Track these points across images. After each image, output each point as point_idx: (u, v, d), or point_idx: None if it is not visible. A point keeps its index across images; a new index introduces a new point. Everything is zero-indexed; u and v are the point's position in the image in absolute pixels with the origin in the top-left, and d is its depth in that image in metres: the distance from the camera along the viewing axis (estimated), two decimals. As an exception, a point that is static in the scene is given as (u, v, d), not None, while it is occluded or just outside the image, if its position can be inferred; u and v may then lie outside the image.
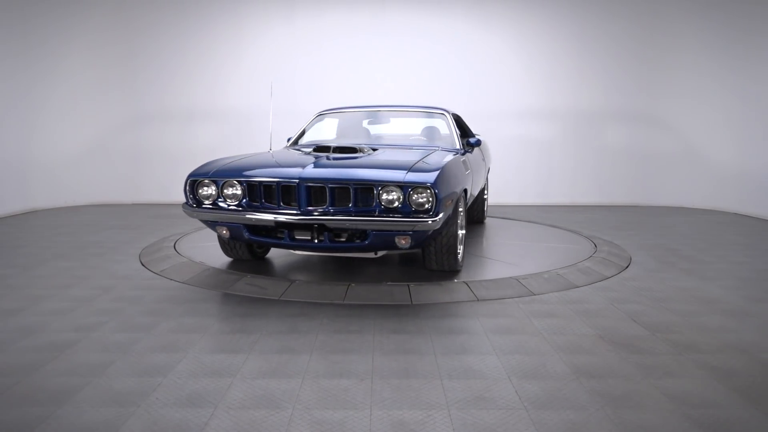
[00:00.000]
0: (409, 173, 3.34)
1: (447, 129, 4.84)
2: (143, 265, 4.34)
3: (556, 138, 8.28)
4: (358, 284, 3.65)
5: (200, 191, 3.68)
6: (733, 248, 5.16)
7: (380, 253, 3.61)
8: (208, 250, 4.70)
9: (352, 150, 3.99)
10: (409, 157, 3.83)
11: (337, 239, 3.48)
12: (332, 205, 3.38)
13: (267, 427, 1.95)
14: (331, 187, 3.36)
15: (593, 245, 5.01)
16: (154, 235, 5.51)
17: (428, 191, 3.25)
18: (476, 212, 6.11)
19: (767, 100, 7.13)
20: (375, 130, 5.22)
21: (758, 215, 7.14)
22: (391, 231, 3.32)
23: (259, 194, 3.52)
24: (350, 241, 3.46)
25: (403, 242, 3.37)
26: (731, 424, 1.99)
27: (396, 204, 3.29)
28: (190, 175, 3.71)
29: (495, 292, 3.58)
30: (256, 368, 2.44)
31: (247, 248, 4.25)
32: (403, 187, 3.27)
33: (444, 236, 3.67)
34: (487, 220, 6.56)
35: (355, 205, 3.37)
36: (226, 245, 4.29)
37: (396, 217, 3.28)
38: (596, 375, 2.39)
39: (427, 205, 3.27)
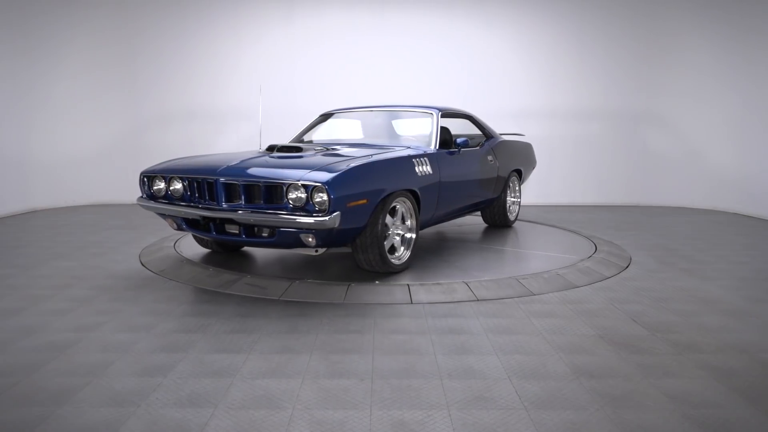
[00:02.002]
0: (311, 172, 3.40)
1: (429, 129, 4.76)
2: (143, 265, 4.34)
3: (555, 138, 8.28)
4: (358, 284, 3.66)
5: (153, 186, 4.03)
6: (733, 248, 5.16)
7: (320, 251, 3.71)
8: (207, 250, 4.71)
9: (297, 149, 4.15)
10: (343, 157, 3.84)
11: (259, 235, 3.64)
12: (248, 201, 3.56)
13: (267, 427, 1.95)
14: (243, 185, 3.54)
15: (593, 245, 5.01)
16: (154, 235, 5.51)
17: (323, 190, 3.32)
18: (497, 216, 5.82)
19: (767, 100, 7.13)
20: (375, 130, 5.22)
21: (758, 215, 7.14)
22: (293, 228, 3.42)
23: (193, 189, 3.79)
24: (264, 237, 3.61)
25: (310, 240, 3.46)
26: (731, 424, 1.99)
27: (302, 202, 3.39)
28: (142, 172, 4.09)
29: (495, 292, 3.58)
30: (256, 368, 2.44)
31: (215, 241, 4.41)
32: (307, 186, 3.36)
33: (367, 236, 3.70)
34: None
35: (267, 202, 3.49)
36: (197, 236, 4.54)
37: (294, 215, 3.37)
38: (596, 375, 2.39)
39: (324, 204, 3.33)
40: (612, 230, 6.00)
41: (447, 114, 5.08)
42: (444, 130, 4.74)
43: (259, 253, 4.62)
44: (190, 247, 4.82)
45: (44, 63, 7.46)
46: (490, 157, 5.36)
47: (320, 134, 5.35)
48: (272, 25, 8.13)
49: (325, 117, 5.41)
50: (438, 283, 3.69)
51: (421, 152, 4.33)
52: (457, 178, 4.72)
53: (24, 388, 2.23)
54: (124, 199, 8.13)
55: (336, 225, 3.30)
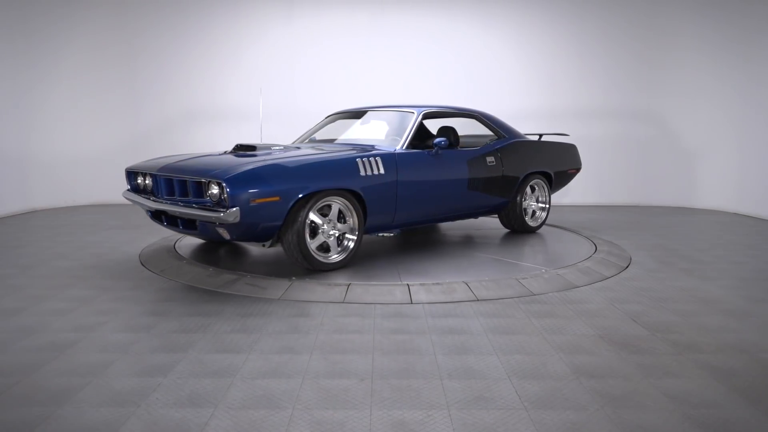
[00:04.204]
0: (217, 171, 3.61)
1: (402, 129, 4.69)
2: (143, 265, 4.34)
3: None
4: (358, 284, 3.66)
5: (136, 181, 4.38)
6: (733, 248, 5.16)
7: (267, 244, 3.86)
8: (207, 250, 4.71)
9: (252, 148, 4.33)
10: (275, 157, 3.97)
11: (194, 227, 3.89)
12: (183, 196, 3.84)
13: (267, 427, 1.95)
14: (177, 180, 3.85)
15: (593, 245, 5.01)
16: (154, 235, 5.51)
17: (224, 187, 3.49)
18: (513, 221, 5.47)
19: (767, 100, 7.13)
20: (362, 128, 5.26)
21: (758, 215, 7.14)
22: (203, 221, 3.68)
23: (154, 184, 4.12)
24: (194, 229, 3.88)
25: (224, 233, 3.67)
26: (731, 424, 1.99)
27: (217, 198, 3.57)
28: (126, 168, 4.50)
29: (495, 292, 3.58)
30: (256, 368, 2.44)
31: None
32: (219, 183, 3.54)
33: (290, 233, 3.78)
34: (482, 221, 6.38)
35: (198, 197, 3.74)
36: None
37: (206, 209, 3.60)
38: (596, 375, 2.39)
39: (227, 201, 3.50)
40: (612, 230, 6.00)
41: (445, 114, 5.03)
42: (448, 130, 4.69)
43: (260, 253, 4.62)
44: (190, 247, 4.82)
45: (44, 63, 7.46)
46: (490, 159, 5.08)
47: (322, 134, 5.46)
48: (272, 25, 8.13)
49: (332, 118, 5.53)
50: (438, 283, 3.69)
51: (374, 152, 4.26)
52: (428, 178, 4.54)
53: (24, 388, 2.23)
54: (124, 199, 8.12)
55: (236, 220, 3.47)
